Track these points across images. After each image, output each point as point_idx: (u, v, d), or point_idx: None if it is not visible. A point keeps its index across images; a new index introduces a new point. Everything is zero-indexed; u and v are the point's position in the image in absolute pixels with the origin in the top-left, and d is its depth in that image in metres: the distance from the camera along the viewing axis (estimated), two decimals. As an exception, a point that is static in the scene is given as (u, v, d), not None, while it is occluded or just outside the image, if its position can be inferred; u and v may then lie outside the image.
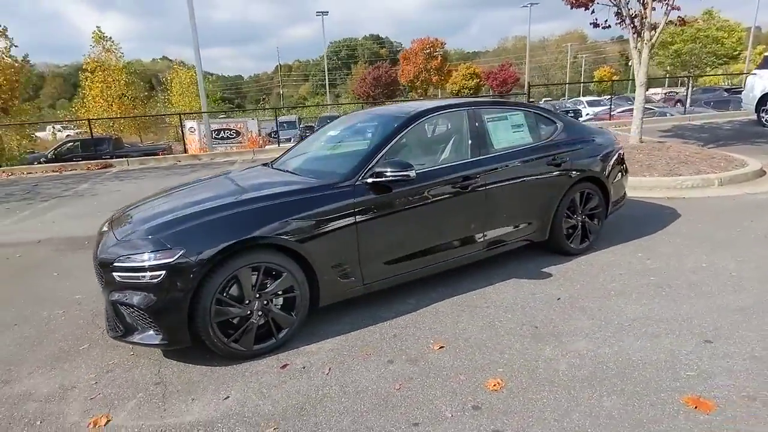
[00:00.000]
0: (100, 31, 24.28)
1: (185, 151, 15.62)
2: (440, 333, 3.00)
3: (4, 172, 12.52)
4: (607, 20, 8.55)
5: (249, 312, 2.75)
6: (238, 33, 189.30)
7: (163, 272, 2.53)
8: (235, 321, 2.75)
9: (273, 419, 2.28)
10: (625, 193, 4.76)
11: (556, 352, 2.70)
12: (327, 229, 2.94)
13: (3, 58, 14.89)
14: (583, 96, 32.98)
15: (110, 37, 24.59)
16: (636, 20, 8.00)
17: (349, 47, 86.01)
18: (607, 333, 2.87)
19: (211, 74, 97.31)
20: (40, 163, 14.52)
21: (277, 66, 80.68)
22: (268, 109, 46.93)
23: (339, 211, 2.98)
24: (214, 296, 2.61)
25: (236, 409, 2.37)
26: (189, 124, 19.72)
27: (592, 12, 8.46)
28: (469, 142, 3.64)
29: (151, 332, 2.63)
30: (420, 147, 3.76)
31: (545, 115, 4.26)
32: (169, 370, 2.75)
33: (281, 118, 24.93)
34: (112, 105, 23.20)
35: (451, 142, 3.75)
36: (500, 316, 3.16)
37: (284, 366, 2.72)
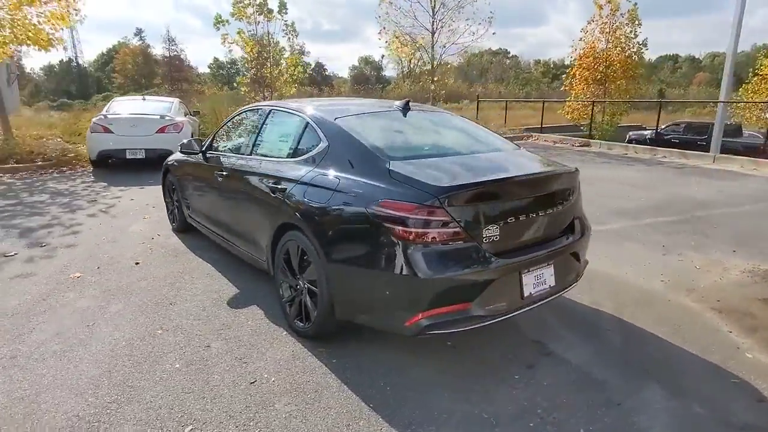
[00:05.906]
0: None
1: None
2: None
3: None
4: None
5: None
6: None
7: None
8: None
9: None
10: (384, 302, 2.49)
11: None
12: (183, 173, 4.86)
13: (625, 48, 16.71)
14: None
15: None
16: None
17: None
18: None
19: None
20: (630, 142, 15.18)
21: None
22: None
23: (190, 164, 4.67)
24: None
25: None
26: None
27: None
28: (244, 139, 3.95)
29: None
30: (241, 137, 4.22)
31: (314, 127, 3.13)
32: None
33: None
34: None
35: (247, 137, 4.01)
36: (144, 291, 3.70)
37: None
